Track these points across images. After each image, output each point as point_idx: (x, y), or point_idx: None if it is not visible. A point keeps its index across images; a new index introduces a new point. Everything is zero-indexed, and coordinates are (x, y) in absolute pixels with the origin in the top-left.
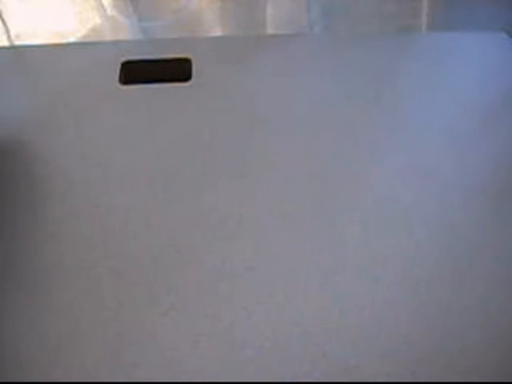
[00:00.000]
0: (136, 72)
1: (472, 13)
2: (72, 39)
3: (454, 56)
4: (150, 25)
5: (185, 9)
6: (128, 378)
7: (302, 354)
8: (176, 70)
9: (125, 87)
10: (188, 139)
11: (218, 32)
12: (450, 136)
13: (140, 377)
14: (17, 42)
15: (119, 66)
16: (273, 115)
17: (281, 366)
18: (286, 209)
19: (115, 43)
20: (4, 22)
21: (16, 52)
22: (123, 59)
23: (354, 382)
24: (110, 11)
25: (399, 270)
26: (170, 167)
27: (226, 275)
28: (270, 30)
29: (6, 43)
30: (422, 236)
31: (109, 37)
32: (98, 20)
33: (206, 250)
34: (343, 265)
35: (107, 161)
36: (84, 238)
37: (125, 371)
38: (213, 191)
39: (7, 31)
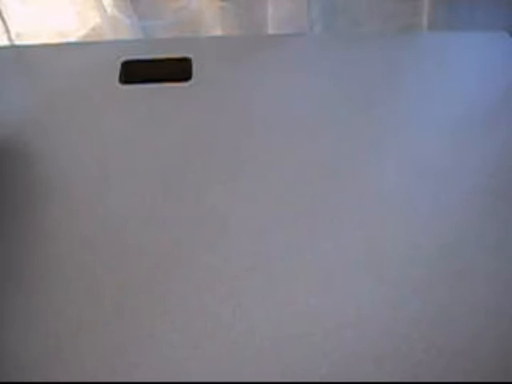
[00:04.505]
0: (136, 72)
1: (473, 12)
2: (72, 39)
3: (455, 55)
4: (150, 24)
5: (185, 8)
6: (128, 378)
7: (302, 354)
8: (176, 70)
9: (125, 87)
10: (188, 139)
11: (218, 32)
12: (450, 136)
13: (140, 377)
14: (17, 42)
15: (119, 66)
16: (273, 115)
17: (281, 366)
18: (286, 209)
19: (115, 43)
20: (4, 22)
21: (16, 51)
22: (123, 59)
23: (355, 382)
24: (110, 11)
25: (399, 269)
26: (169, 167)
27: (226, 275)
28: (270, 30)
29: (6, 43)
30: (422, 236)
31: (109, 36)
32: (98, 19)
33: (206, 249)
34: (343, 265)
35: (107, 160)
36: (83, 238)
37: (125, 371)
38: (213, 191)
39: (7, 31)
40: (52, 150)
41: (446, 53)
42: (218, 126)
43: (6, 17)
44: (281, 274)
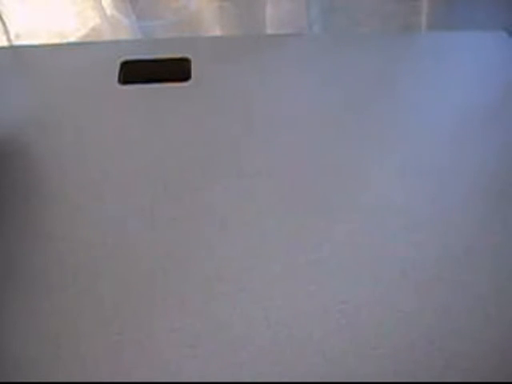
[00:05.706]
0: (135, 72)
1: (472, 12)
2: (71, 39)
3: (453, 55)
4: (149, 24)
5: (184, 8)
6: (128, 378)
7: (302, 355)
8: (175, 70)
9: (124, 87)
10: (187, 139)
11: (217, 32)
12: (450, 135)
13: (140, 377)
14: (16, 42)
15: (118, 66)
16: (272, 115)
17: (280, 366)
18: (285, 209)
19: (114, 43)
20: (3, 22)
21: (16, 52)
22: (122, 59)
23: (354, 383)
24: (109, 11)
25: (399, 270)
26: (169, 167)
27: (226, 275)
28: (269, 30)
29: (5, 43)
30: (422, 236)
31: (108, 36)
32: (97, 20)
33: (205, 250)
34: (343, 265)
35: (106, 160)
36: (83, 238)
37: (125, 371)
38: (212, 191)
39: (7, 31)
40: (52, 150)
41: (444, 52)
42: (217, 126)
43: (5, 17)
44: (280, 273)
